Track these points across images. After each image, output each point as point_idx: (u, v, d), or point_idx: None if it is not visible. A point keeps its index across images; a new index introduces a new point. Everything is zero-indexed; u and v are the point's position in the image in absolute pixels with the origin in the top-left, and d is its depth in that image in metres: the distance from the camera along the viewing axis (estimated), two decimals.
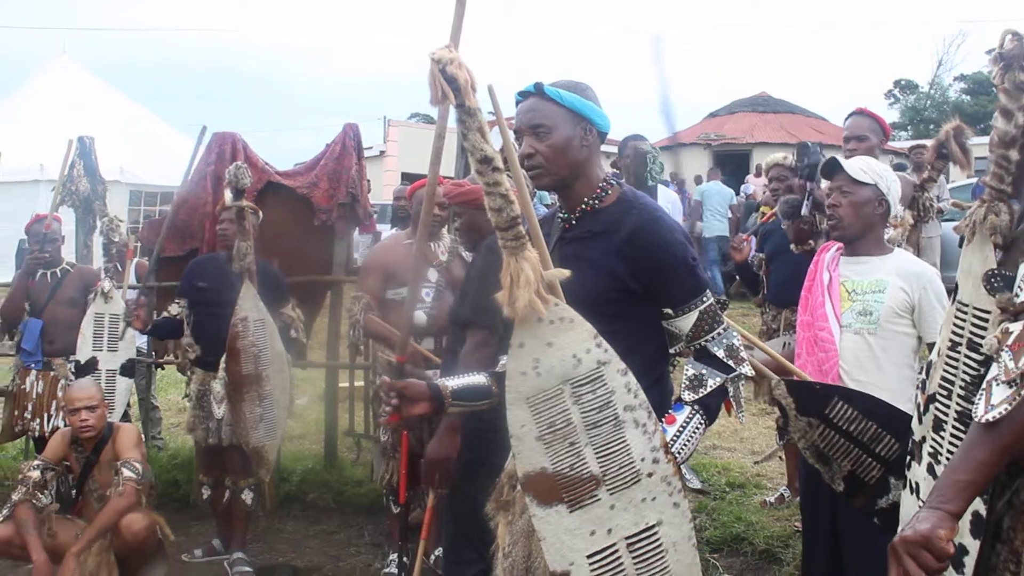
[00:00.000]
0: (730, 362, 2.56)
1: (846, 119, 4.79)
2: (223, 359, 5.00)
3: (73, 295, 5.60)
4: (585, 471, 2.25)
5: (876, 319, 3.37)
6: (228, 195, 5.29)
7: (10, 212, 7.71)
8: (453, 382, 2.71)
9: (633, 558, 2.26)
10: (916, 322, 3.39)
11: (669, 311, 2.56)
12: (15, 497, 4.53)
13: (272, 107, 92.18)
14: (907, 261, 3.51)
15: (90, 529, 4.44)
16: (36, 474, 4.58)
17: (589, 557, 2.24)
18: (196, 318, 5.21)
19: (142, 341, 6.90)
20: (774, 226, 5.59)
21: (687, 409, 2.50)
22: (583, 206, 2.64)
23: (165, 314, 5.32)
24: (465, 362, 3.39)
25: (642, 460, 2.26)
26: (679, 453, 2.41)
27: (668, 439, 2.37)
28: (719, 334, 2.57)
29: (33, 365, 5.66)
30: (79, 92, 17.14)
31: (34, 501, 4.52)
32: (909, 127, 41.16)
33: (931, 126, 38.19)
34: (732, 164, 23.64)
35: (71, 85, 17.65)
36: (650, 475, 2.26)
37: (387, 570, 5.01)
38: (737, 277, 9.86)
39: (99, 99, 17.30)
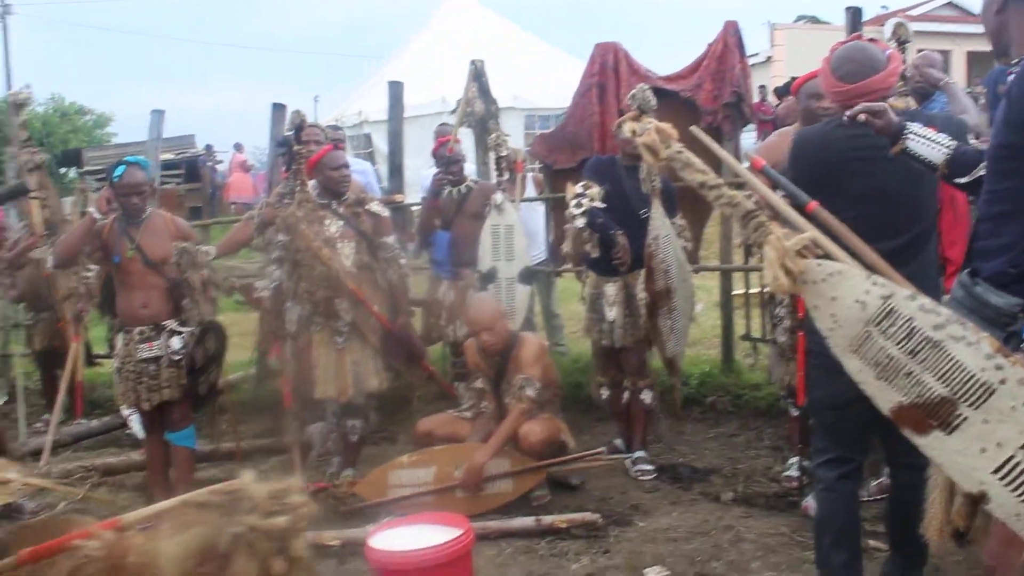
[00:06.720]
0: None
1: None
2: (642, 276, 5.07)
3: (476, 210, 5.89)
4: (934, 395, 2.20)
5: None
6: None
7: (419, 144, 8.36)
8: None
9: None
10: None
11: None
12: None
13: (652, 22, 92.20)
14: None
15: (494, 439, 4.78)
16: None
17: (995, 473, 2.14)
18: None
19: (541, 252, 7.17)
20: None
21: None
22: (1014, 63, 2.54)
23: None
24: None
25: (983, 371, 2.13)
26: None
27: None
28: None
29: (444, 275, 6.12)
30: (475, 26, 18.17)
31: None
32: None
33: None
34: None
35: (468, 20, 18.78)
36: (1003, 381, 2.12)
37: (787, 473, 4.90)
38: None
39: (493, 31, 18.22)
